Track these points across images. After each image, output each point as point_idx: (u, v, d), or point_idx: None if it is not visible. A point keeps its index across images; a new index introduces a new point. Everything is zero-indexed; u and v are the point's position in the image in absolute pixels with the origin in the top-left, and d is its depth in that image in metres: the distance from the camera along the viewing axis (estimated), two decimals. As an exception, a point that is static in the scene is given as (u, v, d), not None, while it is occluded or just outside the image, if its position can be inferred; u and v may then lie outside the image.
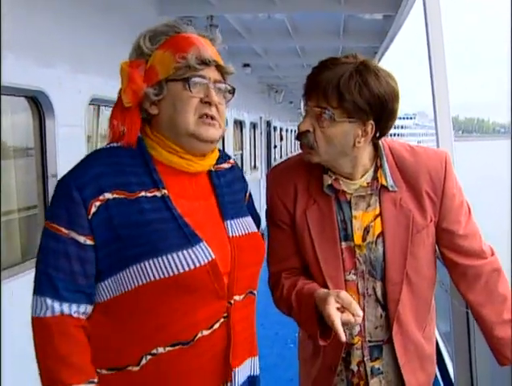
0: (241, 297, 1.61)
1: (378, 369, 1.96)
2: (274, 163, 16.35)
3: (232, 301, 1.58)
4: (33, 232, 3.64)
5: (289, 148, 21.90)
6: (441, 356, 4.62)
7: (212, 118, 1.59)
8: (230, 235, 1.63)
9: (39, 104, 3.51)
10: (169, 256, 1.48)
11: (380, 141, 1.90)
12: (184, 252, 1.50)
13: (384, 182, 1.87)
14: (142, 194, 1.53)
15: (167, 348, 1.51)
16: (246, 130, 11.59)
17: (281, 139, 18.99)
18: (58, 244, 1.51)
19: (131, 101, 1.57)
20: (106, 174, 1.53)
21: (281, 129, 19.04)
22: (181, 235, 1.52)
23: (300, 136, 1.82)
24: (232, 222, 1.66)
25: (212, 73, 1.61)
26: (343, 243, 1.88)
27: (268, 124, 15.56)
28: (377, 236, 1.88)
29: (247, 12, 6.29)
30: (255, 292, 1.69)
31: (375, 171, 1.88)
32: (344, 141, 1.79)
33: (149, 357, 1.51)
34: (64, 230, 1.51)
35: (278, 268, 1.94)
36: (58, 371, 1.48)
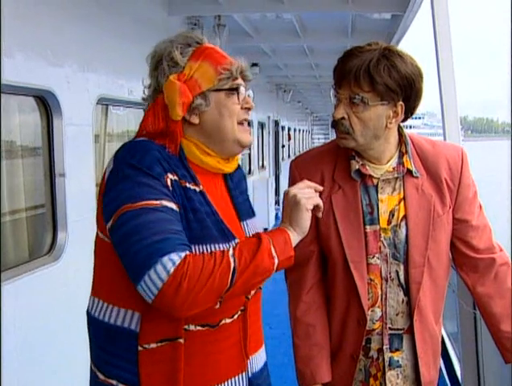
0: (254, 292, 1.73)
1: (397, 362, 1.99)
2: (282, 163, 16.35)
3: (249, 296, 1.71)
4: (41, 230, 3.65)
5: (297, 147, 21.88)
6: (448, 356, 4.61)
7: (249, 124, 1.75)
8: (248, 235, 1.75)
9: (46, 103, 3.51)
10: (209, 247, 1.59)
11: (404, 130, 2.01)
12: (221, 245, 1.61)
13: (410, 167, 1.95)
14: (187, 184, 1.62)
15: (198, 327, 1.62)
16: (254, 130, 11.58)
17: (289, 139, 18.98)
18: (152, 214, 1.51)
19: (182, 113, 1.65)
20: (161, 158, 1.60)
21: (289, 129, 19.02)
22: (219, 229, 1.63)
23: (336, 124, 1.90)
24: (246, 223, 1.79)
25: (242, 81, 1.73)
26: (368, 227, 1.95)
27: (276, 123, 15.55)
28: (401, 220, 1.95)
29: (255, 12, 6.30)
30: (262, 287, 1.80)
31: (400, 157, 1.97)
32: (378, 124, 1.88)
33: (183, 331, 1.60)
34: (153, 202, 1.52)
35: (299, 254, 1.94)
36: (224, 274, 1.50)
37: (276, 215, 12.53)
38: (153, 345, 1.59)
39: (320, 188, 1.71)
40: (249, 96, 1.75)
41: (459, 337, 3.59)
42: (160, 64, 1.70)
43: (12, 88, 3.11)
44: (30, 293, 3.25)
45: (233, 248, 1.54)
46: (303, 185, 1.68)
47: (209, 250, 1.58)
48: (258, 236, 1.58)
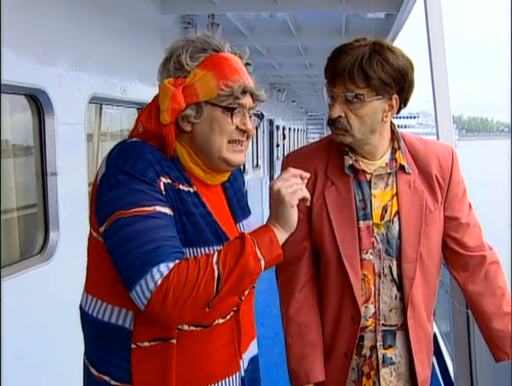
0: (247, 291, 1.73)
1: (391, 359, 2.00)
2: (276, 162, 16.34)
3: (242, 298, 1.71)
4: (32, 230, 3.64)
5: (292, 147, 21.86)
6: (441, 355, 4.62)
7: (242, 144, 1.70)
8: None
9: (38, 102, 3.50)
10: (203, 249, 1.61)
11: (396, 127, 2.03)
12: (216, 248, 1.60)
13: (403, 162, 1.97)
14: (181, 186, 1.62)
15: (191, 327, 1.63)
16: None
17: (283, 138, 18.97)
18: (145, 221, 1.51)
19: (170, 119, 1.63)
20: (154, 161, 1.58)
21: (283, 128, 19.00)
22: (214, 231, 1.64)
23: (332, 122, 1.91)
24: (242, 224, 1.79)
25: (248, 100, 1.69)
26: (361, 222, 1.96)
27: (271, 123, 15.54)
28: (394, 215, 1.97)
29: (249, 11, 6.29)
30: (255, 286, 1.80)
31: (392, 153, 1.99)
32: (375, 118, 1.90)
33: (177, 330, 1.62)
34: (147, 208, 1.52)
35: (291, 251, 1.94)
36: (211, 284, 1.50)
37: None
38: (146, 343, 1.61)
39: (307, 175, 1.65)
40: (257, 116, 1.72)
41: (451, 336, 3.59)
42: (168, 63, 1.67)
43: (3, 87, 3.10)
44: (21, 292, 3.24)
45: (218, 254, 1.52)
46: (287, 175, 1.61)
47: (203, 253, 1.58)
48: (242, 237, 1.55)
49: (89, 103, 4.08)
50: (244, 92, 1.66)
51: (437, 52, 3.64)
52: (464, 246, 2.02)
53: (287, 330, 2.02)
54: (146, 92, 4.72)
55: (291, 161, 2.05)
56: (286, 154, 2.18)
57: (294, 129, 22.99)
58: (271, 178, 15.64)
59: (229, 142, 1.66)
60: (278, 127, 17.34)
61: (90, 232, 1.68)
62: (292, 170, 1.62)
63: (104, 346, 1.67)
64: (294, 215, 1.60)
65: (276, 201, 1.59)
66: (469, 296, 2.05)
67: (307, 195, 1.62)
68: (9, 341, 2.75)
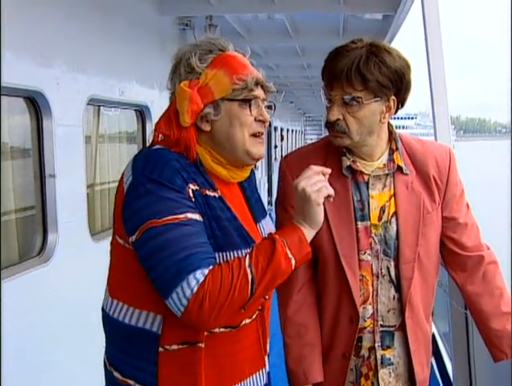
0: None
1: (389, 359, 2.00)
2: (274, 163, 16.34)
3: (267, 297, 1.74)
4: (31, 232, 3.63)
5: (290, 148, 21.85)
6: (440, 355, 4.63)
7: (261, 137, 1.74)
8: (264, 236, 1.75)
9: (36, 104, 3.49)
10: (232, 253, 1.63)
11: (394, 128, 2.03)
12: (243, 251, 1.63)
13: (400, 163, 1.97)
14: (207, 192, 1.63)
15: (221, 329, 1.65)
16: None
17: (281, 139, 18.97)
18: (177, 229, 1.53)
19: (190, 120, 1.66)
20: (180, 169, 1.60)
21: (281, 130, 19.01)
22: (240, 235, 1.66)
23: (331, 125, 1.91)
24: (262, 224, 1.82)
25: (260, 92, 1.72)
26: (359, 223, 1.97)
27: (269, 124, 15.52)
28: (392, 216, 1.97)
29: (247, 12, 6.29)
30: None
31: (390, 154, 1.99)
32: (373, 120, 1.90)
33: (206, 333, 1.64)
34: (178, 216, 1.54)
35: None
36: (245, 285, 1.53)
37: (269, 215, 12.53)
38: (174, 346, 1.62)
39: (328, 170, 1.67)
40: (269, 107, 1.75)
41: (450, 336, 3.60)
42: (178, 68, 1.70)
43: (1, 89, 3.09)
44: (20, 294, 3.24)
45: (250, 257, 1.55)
46: (310, 172, 1.63)
47: (232, 257, 1.60)
48: (271, 238, 1.58)
49: (87, 105, 4.08)
50: (257, 83, 1.70)
51: (435, 53, 3.65)
52: (462, 246, 2.03)
53: (286, 331, 2.02)
54: (145, 94, 4.73)
55: (289, 161, 2.06)
56: (284, 155, 2.18)
57: (292, 131, 22.99)
58: (269, 179, 15.64)
59: (250, 136, 1.70)
60: (276, 128, 17.34)
61: (114, 238, 1.69)
62: (314, 168, 1.64)
63: (129, 350, 1.68)
64: (320, 213, 1.62)
65: (302, 200, 1.61)
66: (468, 296, 2.06)
67: (332, 191, 1.64)
68: (9, 342, 2.75)
